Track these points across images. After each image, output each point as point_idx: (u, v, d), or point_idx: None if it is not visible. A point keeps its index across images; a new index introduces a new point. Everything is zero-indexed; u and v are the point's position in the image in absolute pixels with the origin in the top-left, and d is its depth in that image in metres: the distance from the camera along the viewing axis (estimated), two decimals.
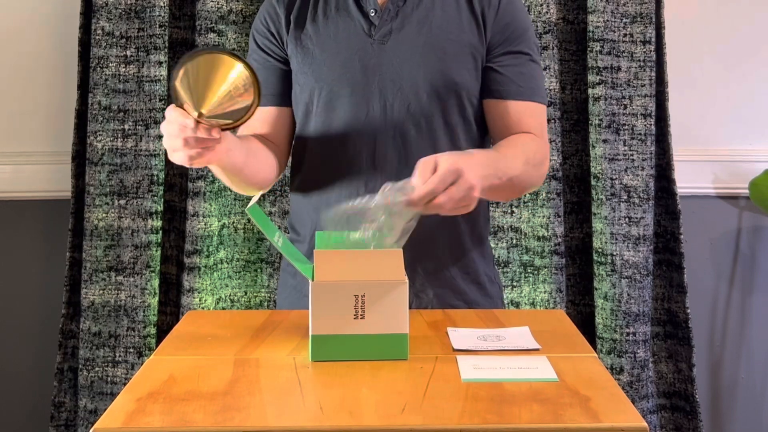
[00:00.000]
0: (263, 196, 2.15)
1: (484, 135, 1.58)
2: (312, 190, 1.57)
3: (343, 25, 1.52)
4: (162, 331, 2.12)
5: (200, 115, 1.24)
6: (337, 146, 1.53)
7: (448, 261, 1.53)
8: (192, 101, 1.25)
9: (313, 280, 1.14)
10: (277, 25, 1.57)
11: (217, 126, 1.29)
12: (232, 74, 1.26)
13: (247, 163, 1.49)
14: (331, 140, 1.53)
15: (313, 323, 1.14)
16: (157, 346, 2.00)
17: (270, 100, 1.59)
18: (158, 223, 2.10)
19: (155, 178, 2.10)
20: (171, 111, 1.29)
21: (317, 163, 1.56)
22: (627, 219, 2.11)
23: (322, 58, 1.53)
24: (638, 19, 2.10)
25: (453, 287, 1.54)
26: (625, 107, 2.11)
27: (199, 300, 2.12)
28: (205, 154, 1.31)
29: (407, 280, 1.15)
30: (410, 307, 1.49)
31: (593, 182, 2.13)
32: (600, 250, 2.13)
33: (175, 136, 1.29)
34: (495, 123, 1.54)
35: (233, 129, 1.33)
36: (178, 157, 1.32)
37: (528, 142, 1.50)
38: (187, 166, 1.34)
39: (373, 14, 1.51)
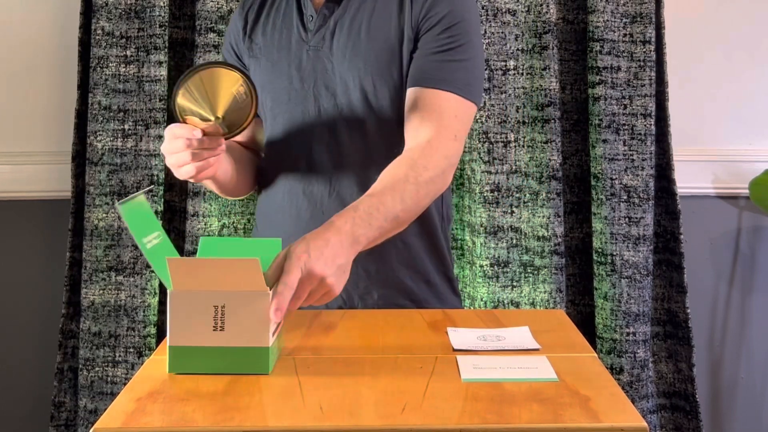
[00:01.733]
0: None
1: None
2: (262, 194, 1.62)
3: (286, 34, 1.55)
4: (162, 331, 2.12)
5: (217, 119, 1.31)
6: (279, 152, 1.56)
7: (394, 261, 1.51)
8: (204, 110, 1.32)
9: (170, 289, 1.10)
10: (237, 39, 1.61)
11: (223, 134, 1.36)
12: (233, 83, 1.33)
13: (236, 170, 1.56)
14: (276, 147, 1.56)
15: (171, 334, 1.10)
16: (157, 346, 2.00)
17: None
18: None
19: (155, 178, 2.10)
20: (175, 128, 1.34)
21: (266, 171, 1.60)
22: (627, 219, 2.11)
23: (266, 67, 1.55)
24: (638, 19, 2.10)
25: (399, 287, 1.52)
26: (625, 107, 2.11)
27: None
28: (212, 164, 1.36)
29: (269, 292, 1.10)
30: (356, 307, 1.50)
31: (593, 182, 2.13)
32: (600, 250, 2.13)
33: (182, 150, 1.33)
34: (406, 111, 1.47)
35: (233, 136, 1.40)
36: (186, 171, 1.36)
37: (415, 165, 1.38)
38: (192, 180, 1.38)
39: (310, 20, 1.53)
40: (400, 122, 1.49)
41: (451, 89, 1.44)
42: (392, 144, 1.49)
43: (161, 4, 2.07)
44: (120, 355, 2.10)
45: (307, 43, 1.52)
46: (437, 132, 1.42)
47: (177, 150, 1.34)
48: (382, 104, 1.49)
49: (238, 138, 1.63)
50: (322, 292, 1.20)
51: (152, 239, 1.19)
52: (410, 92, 1.47)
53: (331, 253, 1.20)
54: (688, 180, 2.25)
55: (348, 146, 1.50)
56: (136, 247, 2.09)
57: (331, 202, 1.50)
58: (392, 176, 1.37)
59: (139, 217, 1.18)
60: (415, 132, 1.44)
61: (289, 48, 1.54)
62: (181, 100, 1.32)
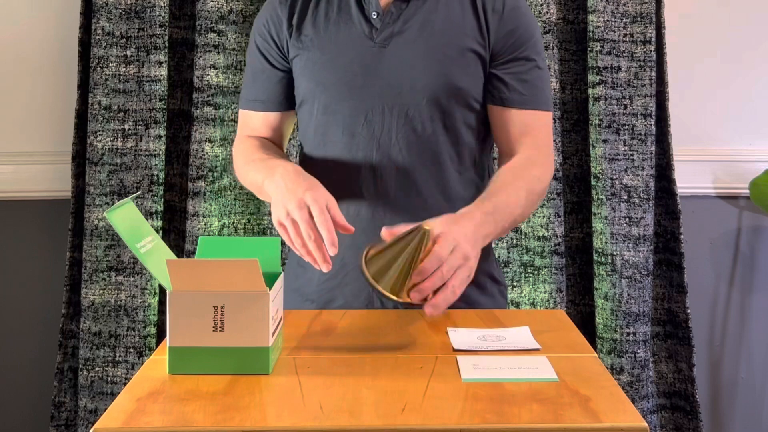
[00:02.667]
0: None
1: (486, 138, 1.57)
2: None
3: (345, 28, 1.52)
4: (162, 331, 2.12)
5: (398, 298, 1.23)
6: (336, 150, 1.53)
7: None
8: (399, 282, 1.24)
9: (170, 290, 1.10)
10: (278, 29, 1.57)
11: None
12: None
13: None
14: (331, 144, 1.53)
15: (170, 335, 1.10)
16: (157, 346, 2.00)
17: (271, 106, 1.60)
18: (158, 223, 2.10)
19: (155, 178, 2.10)
20: (329, 210, 1.33)
21: (318, 168, 1.56)
22: (627, 219, 2.11)
23: (322, 61, 1.52)
24: (638, 19, 2.10)
25: None
26: (625, 107, 2.11)
27: None
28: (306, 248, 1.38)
29: (268, 291, 1.10)
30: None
31: (593, 182, 2.13)
32: (600, 250, 2.13)
33: (313, 228, 1.32)
34: (498, 130, 1.54)
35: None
36: (283, 235, 1.37)
37: (529, 172, 1.49)
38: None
39: (374, 17, 1.50)
40: (463, 125, 1.51)
41: (542, 107, 1.53)
42: (458, 143, 1.51)
43: (161, 4, 2.07)
44: (120, 355, 2.10)
45: (372, 40, 1.50)
46: (538, 150, 1.52)
47: (316, 222, 1.33)
48: (452, 104, 1.49)
49: (267, 134, 1.63)
50: (466, 274, 1.26)
51: (146, 243, 1.19)
52: (504, 111, 1.52)
53: (472, 232, 1.30)
54: (688, 180, 2.25)
55: (414, 145, 1.49)
56: None
57: (397, 199, 1.50)
58: (510, 182, 1.45)
59: (129, 223, 1.18)
60: (513, 149, 1.53)
61: (349, 43, 1.51)
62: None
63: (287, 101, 1.60)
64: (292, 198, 1.36)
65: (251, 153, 1.57)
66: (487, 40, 1.50)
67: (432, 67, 1.48)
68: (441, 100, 1.49)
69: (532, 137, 1.52)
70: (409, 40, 1.49)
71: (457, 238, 1.26)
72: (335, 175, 1.53)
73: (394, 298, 1.21)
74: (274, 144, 1.64)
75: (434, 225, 1.26)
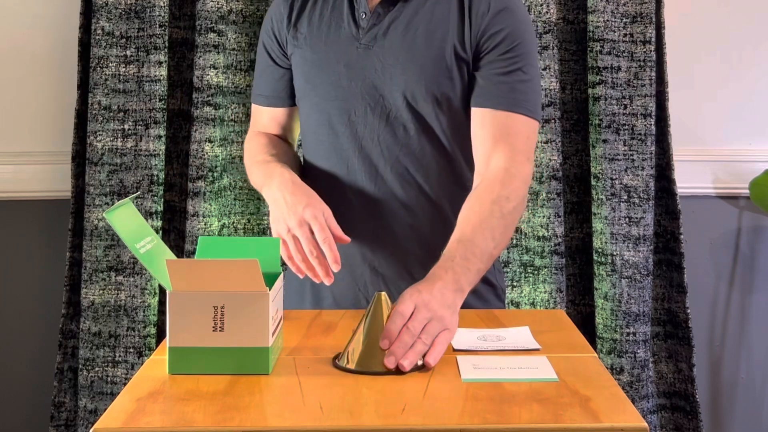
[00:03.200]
0: None
1: (470, 142, 1.53)
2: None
3: (335, 28, 1.52)
4: (162, 331, 2.12)
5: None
6: (324, 150, 1.55)
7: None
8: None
9: (170, 290, 1.10)
10: (279, 25, 1.58)
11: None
12: None
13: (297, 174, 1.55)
14: (321, 143, 1.55)
15: (170, 335, 1.10)
16: (157, 346, 2.00)
17: (275, 101, 1.63)
18: (158, 223, 2.10)
19: (155, 178, 2.10)
20: (323, 228, 1.35)
21: (313, 167, 1.58)
22: (627, 219, 2.11)
23: (312, 59, 1.53)
24: (638, 19, 2.10)
25: None
26: (625, 107, 2.11)
27: None
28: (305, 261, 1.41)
29: (268, 291, 1.10)
30: None
31: (593, 182, 2.13)
32: (600, 250, 2.13)
33: (313, 244, 1.36)
34: (475, 134, 1.49)
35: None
36: (291, 254, 1.40)
37: (497, 195, 1.39)
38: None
39: (363, 18, 1.50)
40: (447, 129, 1.50)
41: (522, 111, 1.45)
42: (438, 147, 1.50)
43: (161, 4, 2.07)
44: (120, 355, 2.10)
45: (357, 41, 1.50)
46: (512, 157, 1.43)
47: (317, 239, 1.35)
48: (433, 108, 1.48)
49: (276, 131, 1.65)
50: (438, 327, 1.17)
51: (145, 244, 1.19)
52: (480, 112, 1.47)
53: (440, 292, 1.22)
54: (688, 180, 2.25)
55: (394, 147, 1.50)
56: None
57: (379, 200, 1.50)
58: (478, 214, 1.37)
59: (129, 223, 1.18)
60: (488, 155, 1.45)
61: (337, 43, 1.51)
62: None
63: (291, 98, 1.62)
64: (292, 215, 1.38)
65: (256, 153, 1.59)
66: (470, 42, 1.47)
67: (412, 70, 1.47)
68: (421, 104, 1.48)
69: (509, 144, 1.44)
70: (392, 43, 1.49)
71: (418, 298, 1.19)
72: (326, 175, 1.55)
73: (374, 371, 1.11)
74: (281, 140, 1.66)
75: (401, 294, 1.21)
